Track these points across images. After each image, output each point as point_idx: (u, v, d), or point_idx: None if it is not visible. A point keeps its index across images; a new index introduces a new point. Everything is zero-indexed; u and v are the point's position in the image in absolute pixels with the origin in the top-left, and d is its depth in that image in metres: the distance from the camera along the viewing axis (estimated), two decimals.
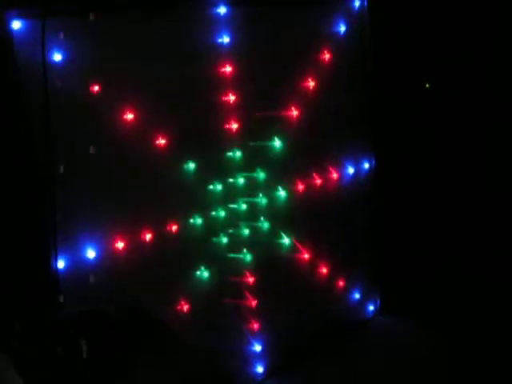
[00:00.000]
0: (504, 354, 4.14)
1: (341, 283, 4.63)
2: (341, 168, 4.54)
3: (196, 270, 3.80)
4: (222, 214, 3.90)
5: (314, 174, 4.35)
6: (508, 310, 4.53)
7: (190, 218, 3.74)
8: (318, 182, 4.37)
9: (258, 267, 4.05)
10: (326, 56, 4.32)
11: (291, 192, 4.21)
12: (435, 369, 4.15)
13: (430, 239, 5.03)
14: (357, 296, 4.78)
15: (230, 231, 3.95)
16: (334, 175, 4.47)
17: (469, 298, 4.75)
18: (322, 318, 4.48)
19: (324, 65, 4.31)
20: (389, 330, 4.69)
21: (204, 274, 3.82)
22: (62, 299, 3.09)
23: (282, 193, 4.16)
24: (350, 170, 4.59)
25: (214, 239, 3.89)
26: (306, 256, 4.31)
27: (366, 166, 4.70)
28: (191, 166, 3.71)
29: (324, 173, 4.42)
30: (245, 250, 4.00)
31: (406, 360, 4.25)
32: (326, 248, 4.44)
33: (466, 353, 4.22)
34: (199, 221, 3.78)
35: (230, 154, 3.92)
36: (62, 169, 3.18)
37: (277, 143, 4.09)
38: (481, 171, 5.11)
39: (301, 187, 4.27)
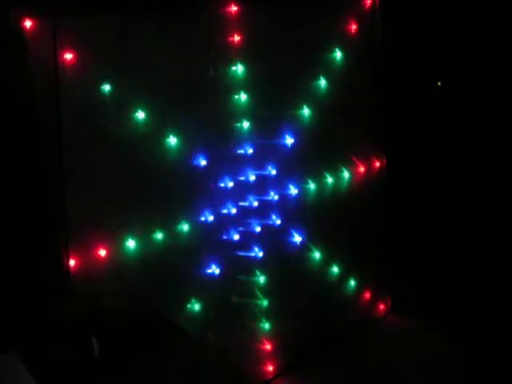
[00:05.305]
0: None
1: (352, 283, 4.62)
2: (351, 167, 4.52)
3: (207, 269, 3.80)
4: (233, 211, 3.90)
5: (325, 173, 4.35)
6: None
7: (201, 216, 3.75)
8: (329, 180, 4.36)
9: (268, 266, 4.04)
10: (338, 54, 4.31)
11: (303, 190, 4.21)
12: (445, 368, 4.14)
13: (442, 239, 5.01)
14: (368, 295, 4.77)
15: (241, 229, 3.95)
16: (345, 174, 4.46)
17: (479, 298, 4.73)
18: (332, 317, 4.47)
19: (336, 63, 4.31)
20: (400, 329, 4.68)
21: (215, 272, 3.81)
22: (73, 299, 3.10)
23: (293, 191, 4.15)
24: (361, 169, 4.58)
25: (225, 237, 3.89)
26: (318, 255, 4.31)
27: (377, 165, 4.68)
28: (202, 163, 3.71)
29: (334, 172, 4.41)
30: (256, 248, 3.99)
31: (416, 359, 4.24)
32: (338, 247, 4.43)
33: (476, 352, 4.21)
34: (210, 218, 3.78)
35: (241, 150, 3.91)
36: (73, 168, 3.19)
37: (288, 140, 4.08)
38: (494, 171, 5.07)
39: (312, 186, 4.26)
